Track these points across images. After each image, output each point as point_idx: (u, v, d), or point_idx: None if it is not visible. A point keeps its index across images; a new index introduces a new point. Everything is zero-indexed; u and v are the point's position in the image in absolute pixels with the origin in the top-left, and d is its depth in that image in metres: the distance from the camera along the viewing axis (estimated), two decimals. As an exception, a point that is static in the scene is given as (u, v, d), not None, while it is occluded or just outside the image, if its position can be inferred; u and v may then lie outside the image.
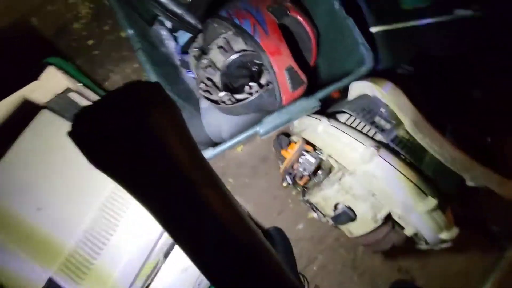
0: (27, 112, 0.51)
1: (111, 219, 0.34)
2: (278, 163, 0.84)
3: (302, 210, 0.88)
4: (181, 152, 0.19)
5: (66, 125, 0.43)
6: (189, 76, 0.84)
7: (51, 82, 0.53)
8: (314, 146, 0.55)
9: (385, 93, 0.47)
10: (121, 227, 0.33)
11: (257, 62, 0.68)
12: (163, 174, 0.18)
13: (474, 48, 0.58)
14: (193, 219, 0.18)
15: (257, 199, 0.90)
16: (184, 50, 0.85)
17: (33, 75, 0.53)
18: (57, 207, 0.35)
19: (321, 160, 0.54)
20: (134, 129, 0.18)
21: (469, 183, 0.46)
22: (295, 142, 0.58)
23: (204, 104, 0.77)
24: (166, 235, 0.37)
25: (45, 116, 0.40)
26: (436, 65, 0.57)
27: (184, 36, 0.86)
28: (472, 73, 0.57)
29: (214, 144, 0.71)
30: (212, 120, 0.75)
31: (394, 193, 0.45)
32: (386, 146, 0.49)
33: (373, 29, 0.63)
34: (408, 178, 0.43)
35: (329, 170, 0.55)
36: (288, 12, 0.60)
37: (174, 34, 0.86)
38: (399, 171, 0.44)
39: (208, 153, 0.54)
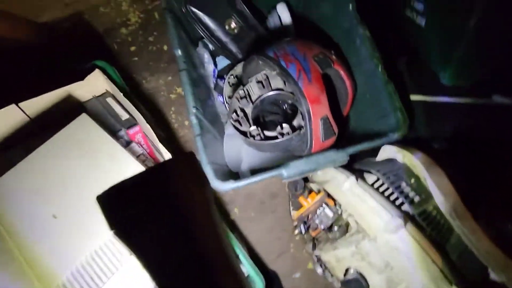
0: (67, 107, 0.52)
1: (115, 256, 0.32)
2: (289, 204, 0.82)
3: (302, 257, 0.84)
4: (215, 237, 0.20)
5: (101, 134, 0.44)
6: (219, 100, 0.86)
7: (93, 84, 0.54)
8: (335, 200, 0.54)
9: (422, 170, 0.47)
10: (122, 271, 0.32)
11: (290, 102, 0.69)
12: (179, 261, 0.18)
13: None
14: None
15: (259, 236, 0.87)
16: (220, 74, 0.88)
17: (79, 74, 0.54)
18: (73, 218, 0.34)
19: (340, 216, 0.52)
20: (160, 222, 0.19)
21: (494, 277, 0.44)
22: (316, 192, 0.57)
23: (229, 130, 0.77)
24: None
25: (84, 120, 0.40)
26: (471, 145, 0.56)
27: (222, 62, 0.89)
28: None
29: (230, 171, 0.70)
30: (233, 148, 0.74)
31: (415, 272, 0.42)
32: (411, 218, 0.47)
33: (411, 97, 0.64)
34: (433, 260, 0.41)
35: (346, 229, 0.53)
36: (332, 65, 0.61)
37: (214, 58, 0.89)
38: (425, 250, 0.42)
39: (228, 186, 0.53)
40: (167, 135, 0.95)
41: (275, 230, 0.87)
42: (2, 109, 0.45)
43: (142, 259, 0.19)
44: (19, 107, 0.47)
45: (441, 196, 0.44)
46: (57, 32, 0.99)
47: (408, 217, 0.46)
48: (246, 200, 0.90)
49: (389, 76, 0.60)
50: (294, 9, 0.87)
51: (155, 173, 0.20)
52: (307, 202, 0.57)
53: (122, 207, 0.19)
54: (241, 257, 0.46)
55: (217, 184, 0.52)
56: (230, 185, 0.52)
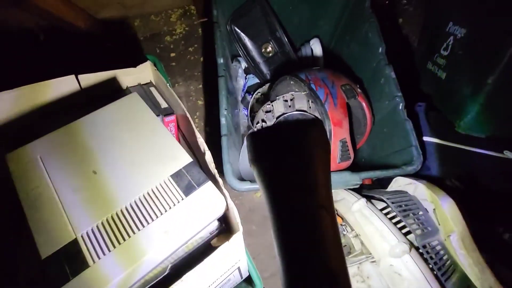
0: (116, 88, 0.57)
1: (158, 205, 0.35)
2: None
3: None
4: (322, 186, 0.22)
5: (149, 113, 0.48)
6: (243, 113, 0.91)
7: (142, 73, 0.59)
8: (342, 219, 0.55)
9: (435, 199, 0.49)
10: (166, 216, 0.34)
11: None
12: (302, 197, 0.21)
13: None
14: (304, 238, 0.21)
15: (257, 251, 0.86)
16: (248, 90, 0.95)
17: (130, 63, 0.61)
18: (113, 177, 0.37)
19: (345, 236, 0.54)
20: (299, 157, 0.22)
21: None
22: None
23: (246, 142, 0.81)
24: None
25: (134, 98, 0.45)
26: (484, 191, 0.59)
27: (252, 80, 0.96)
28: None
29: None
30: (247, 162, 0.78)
31: (414, 300, 0.43)
32: (416, 248, 0.48)
33: (426, 138, 0.68)
34: (434, 291, 0.41)
35: (350, 249, 0.54)
36: (357, 96, 0.67)
37: (245, 74, 0.96)
38: (426, 279, 0.42)
39: (244, 186, 0.55)
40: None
41: (273, 248, 0.87)
42: (62, 78, 0.51)
43: (268, 190, 0.22)
44: (77, 79, 0.53)
45: (452, 224, 0.45)
46: (111, 28, 1.10)
47: (413, 246, 0.47)
48: (249, 213, 0.91)
49: (408, 116, 0.64)
50: (326, 45, 0.96)
51: (304, 123, 0.25)
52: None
53: (262, 144, 0.23)
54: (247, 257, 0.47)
55: (234, 182, 0.55)
56: (246, 185, 0.55)
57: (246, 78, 0.97)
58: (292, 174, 0.22)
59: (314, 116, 0.65)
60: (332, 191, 0.61)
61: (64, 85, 0.52)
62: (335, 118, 0.60)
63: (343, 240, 0.55)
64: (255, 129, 0.69)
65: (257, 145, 0.24)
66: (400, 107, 0.65)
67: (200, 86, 1.07)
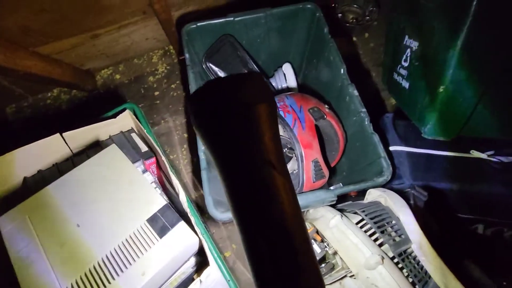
0: (98, 139, 0.62)
1: (135, 249, 0.38)
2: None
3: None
4: (269, 141, 0.21)
5: (126, 163, 0.53)
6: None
7: (122, 122, 0.64)
8: (322, 237, 0.58)
9: (397, 210, 0.52)
10: (143, 259, 0.38)
11: (289, 146, 0.78)
12: (247, 153, 0.20)
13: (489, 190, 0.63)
14: (254, 196, 0.20)
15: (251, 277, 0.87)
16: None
17: (113, 113, 0.66)
18: (94, 228, 0.41)
19: (327, 252, 0.56)
20: (241, 114, 0.20)
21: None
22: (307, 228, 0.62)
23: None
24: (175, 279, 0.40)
25: (112, 150, 0.50)
26: (451, 197, 0.61)
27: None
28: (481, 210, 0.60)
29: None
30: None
31: (392, 310, 0.44)
32: (392, 258, 0.51)
33: (395, 148, 0.72)
34: (409, 298, 0.43)
35: (333, 266, 0.56)
36: (325, 116, 0.71)
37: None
38: (401, 287, 0.45)
39: (225, 215, 0.58)
40: (178, 168, 1.04)
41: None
42: (48, 138, 0.56)
43: (214, 153, 0.21)
44: (62, 137, 0.57)
45: (409, 233, 0.48)
46: (97, 77, 1.17)
47: (388, 257, 0.50)
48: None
49: (375, 129, 0.68)
50: (297, 69, 1.02)
51: (240, 78, 0.22)
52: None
53: (207, 104, 0.21)
54: (219, 261, 0.49)
55: (216, 213, 0.58)
56: (227, 215, 0.58)
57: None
58: (232, 130, 0.20)
59: (288, 138, 0.69)
60: (312, 210, 0.64)
61: (51, 145, 0.56)
62: (304, 140, 0.64)
63: (326, 258, 0.57)
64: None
65: (194, 106, 0.22)
66: (366, 122, 0.69)
67: (185, 120, 1.12)
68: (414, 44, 0.78)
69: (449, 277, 0.43)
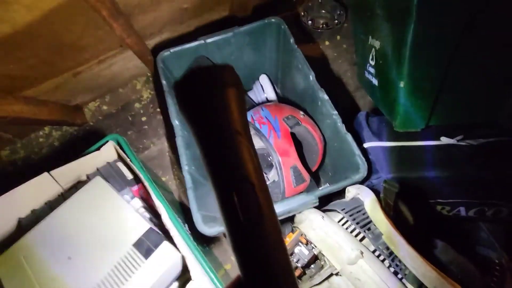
0: (86, 172, 0.65)
1: (124, 273, 0.41)
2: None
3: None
4: (237, 116, 0.25)
5: (111, 193, 0.56)
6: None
7: (107, 153, 0.68)
8: (308, 239, 0.61)
9: (365, 203, 0.55)
10: (132, 281, 0.40)
11: (268, 158, 0.81)
12: (219, 125, 0.24)
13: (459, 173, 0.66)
14: (227, 158, 0.23)
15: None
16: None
17: (98, 146, 0.69)
18: (85, 258, 0.44)
19: (314, 254, 0.58)
20: (214, 94, 0.25)
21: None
22: (292, 232, 0.64)
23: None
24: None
25: (97, 182, 0.53)
26: (428, 184, 0.64)
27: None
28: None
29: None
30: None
31: (377, 301, 0.47)
32: (374, 251, 0.53)
33: (369, 144, 0.75)
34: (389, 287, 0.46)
35: (322, 266, 0.59)
36: (300, 123, 0.75)
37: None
38: (381, 279, 0.47)
39: (213, 230, 0.61)
40: (172, 189, 1.07)
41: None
42: (37, 177, 0.60)
43: (193, 127, 0.25)
44: (51, 175, 0.61)
45: (377, 225, 0.50)
46: (85, 110, 1.21)
47: (369, 250, 0.52)
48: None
49: (349, 128, 0.72)
50: (274, 79, 1.06)
51: (214, 68, 0.26)
52: (286, 242, 0.64)
53: (188, 88, 0.25)
54: (211, 274, 0.52)
55: (204, 229, 0.61)
56: (215, 229, 0.61)
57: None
58: (209, 107, 0.24)
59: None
60: (297, 213, 0.67)
61: (41, 184, 0.60)
62: (281, 148, 0.68)
63: (317, 260, 0.59)
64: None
65: (177, 90, 0.26)
66: (339, 124, 0.73)
67: (174, 141, 1.16)
68: (377, 44, 0.82)
69: (418, 263, 0.45)
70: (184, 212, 0.94)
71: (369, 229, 0.56)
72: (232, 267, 0.93)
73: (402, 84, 0.66)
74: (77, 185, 0.63)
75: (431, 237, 0.53)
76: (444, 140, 0.70)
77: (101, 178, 0.54)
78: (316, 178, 0.90)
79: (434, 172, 0.67)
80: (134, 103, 1.26)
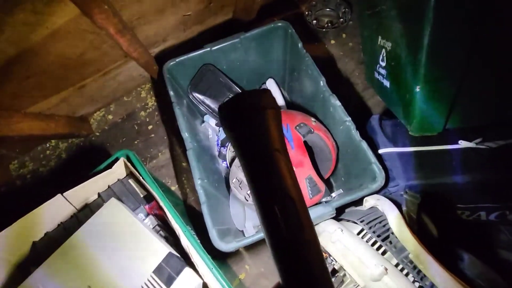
0: (98, 191, 0.65)
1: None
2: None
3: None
4: (276, 135, 0.28)
5: (127, 216, 0.55)
6: (223, 165, 0.98)
7: (118, 170, 0.67)
8: (327, 253, 0.59)
9: (390, 219, 0.53)
10: None
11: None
12: (260, 143, 0.27)
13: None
14: (269, 175, 0.26)
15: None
16: (223, 143, 1.02)
17: (108, 162, 0.68)
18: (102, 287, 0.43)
19: (334, 268, 0.57)
20: (256, 117, 0.28)
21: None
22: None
23: (233, 193, 0.87)
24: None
25: (112, 204, 0.52)
26: (447, 190, 0.62)
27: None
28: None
29: (236, 230, 0.78)
30: (238, 208, 0.83)
31: (403, 318, 0.45)
32: (396, 265, 0.52)
33: (384, 150, 0.73)
34: (417, 305, 0.44)
35: (342, 280, 0.58)
36: (313, 130, 0.73)
37: (218, 128, 1.04)
38: (408, 295, 0.46)
39: (231, 246, 0.60)
40: (182, 197, 1.06)
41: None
42: (51, 200, 0.59)
43: (236, 146, 0.28)
44: (64, 196, 0.60)
45: (404, 244, 0.49)
46: (91, 121, 1.20)
47: (390, 264, 0.51)
48: (256, 256, 0.95)
49: (363, 134, 0.70)
50: (281, 83, 1.04)
51: (255, 93, 0.31)
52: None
53: (233, 109, 0.29)
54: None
55: (221, 245, 0.60)
56: (233, 245, 0.60)
57: (219, 131, 1.05)
58: (249, 128, 0.27)
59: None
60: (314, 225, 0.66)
61: (54, 206, 0.59)
62: (295, 160, 0.66)
63: (334, 273, 0.58)
64: (232, 187, 0.75)
65: (223, 113, 0.29)
66: (353, 131, 0.71)
67: (181, 149, 1.15)
68: (388, 45, 0.80)
69: (449, 281, 0.44)
70: (193, 220, 0.93)
71: (390, 242, 0.54)
72: (245, 277, 0.93)
73: (418, 88, 0.64)
74: (90, 205, 0.63)
75: (457, 249, 0.51)
76: (463, 144, 0.68)
77: (116, 199, 0.53)
78: (328, 184, 0.89)
79: (454, 178, 0.65)
80: (140, 112, 1.24)
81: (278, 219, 0.24)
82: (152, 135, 1.19)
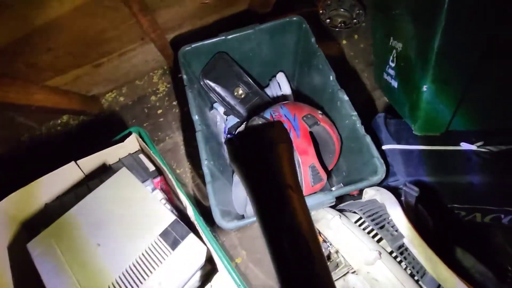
0: (109, 162, 0.67)
1: (151, 262, 0.43)
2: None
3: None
4: (288, 170, 0.28)
5: (137, 184, 0.57)
6: (229, 152, 1.00)
7: (130, 145, 0.69)
8: (325, 238, 0.62)
9: (388, 206, 0.55)
10: (159, 270, 0.42)
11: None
12: (273, 181, 0.27)
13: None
14: (278, 211, 0.26)
15: (264, 281, 0.91)
16: (230, 131, 1.04)
17: (120, 136, 0.71)
18: (113, 246, 0.46)
19: (330, 252, 0.59)
20: (267, 152, 0.28)
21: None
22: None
23: (235, 178, 0.90)
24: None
25: (123, 173, 0.54)
26: (445, 189, 0.64)
27: (232, 120, 1.07)
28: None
29: (237, 214, 0.80)
30: (239, 194, 0.86)
31: (393, 301, 0.47)
32: (390, 252, 0.54)
33: (388, 146, 0.75)
34: (406, 289, 0.46)
35: (337, 264, 0.60)
36: (319, 122, 0.75)
37: (225, 117, 1.07)
38: (399, 280, 0.48)
39: (232, 224, 0.62)
40: (185, 182, 1.09)
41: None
42: (64, 166, 0.62)
43: (247, 181, 0.28)
44: (77, 164, 0.63)
45: (400, 229, 0.51)
46: (102, 101, 1.24)
47: (386, 251, 0.53)
48: (252, 242, 0.97)
49: (367, 129, 0.72)
50: (290, 77, 1.06)
51: (266, 126, 0.31)
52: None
53: (240, 145, 0.29)
54: (229, 268, 0.53)
55: (223, 223, 0.62)
56: (233, 224, 0.62)
57: (226, 120, 1.08)
58: (261, 164, 0.27)
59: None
60: (312, 212, 0.68)
61: (67, 172, 0.62)
62: (300, 148, 0.68)
63: (330, 257, 0.60)
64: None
65: (232, 147, 0.29)
66: (358, 125, 0.73)
67: (188, 134, 1.17)
68: (399, 46, 0.82)
69: (439, 267, 0.46)
70: (196, 205, 0.96)
71: (387, 230, 0.56)
72: (242, 261, 0.95)
73: (425, 88, 0.66)
74: (100, 175, 0.65)
75: (450, 242, 0.53)
76: (464, 146, 0.70)
77: (126, 169, 0.56)
78: (329, 178, 0.91)
79: (453, 178, 0.67)
80: (151, 96, 1.27)
81: (288, 259, 0.24)
82: (161, 119, 1.22)
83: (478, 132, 0.72)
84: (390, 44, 0.88)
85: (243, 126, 0.73)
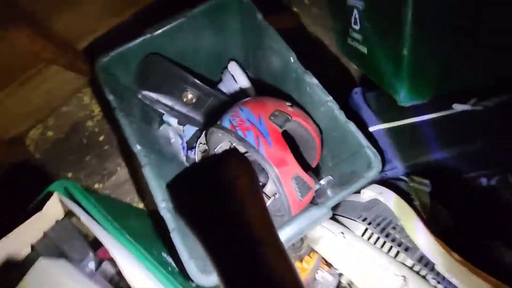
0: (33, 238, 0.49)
1: None
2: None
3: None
4: (256, 218, 0.22)
5: (64, 280, 0.41)
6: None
7: (54, 210, 0.52)
8: (330, 264, 0.50)
9: (403, 219, 0.45)
10: None
11: (261, 168, 0.68)
12: (236, 238, 0.21)
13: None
14: (250, 273, 0.19)
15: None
16: (190, 145, 0.88)
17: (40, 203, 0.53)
18: None
19: (341, 284, 0.49)
20: (222, 196, 0.21)
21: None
22: (310, 253, 0.54)
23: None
24: None
25: (41, 268, 0.38)
26: (447, 163, 0.55)
27: (189, 130, 0.90)
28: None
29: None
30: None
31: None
32: (412, 266, 0.44)
33: (374, 128, 0.64)
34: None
35: (351, 290, 0.49)
36: (290, 118, 0.61)
37: (182, 127, 0.90)
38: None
39: (212, 280, 0.49)
40: (149, 215, 0.92)
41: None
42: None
43: (198, 233, 0.22)
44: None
45: (416, 242, 0.41)
46: (27, 142, 0.99)
47: (407, 268, 0.43)
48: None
49: (348, 115, 0.60)
50: (245, 65, 0.90)
51: (211, 163, 0.24)
52: (304, 269, 0.53)
53: (183, 192, 0.23)
54: None
55: (201, 279, 0.49)
56: (213, 277, 0.49)
57: (183, 131, 0.91)
58: (215, 215, 0.22)
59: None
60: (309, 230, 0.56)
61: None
62: (276, 158, 0.55)
63: (340, 284, 0.50)
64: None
65: (175, 193, 0.24)
66: (336, 111, 0.60)
67: (143, 157, 0.99)
68: (360, 4, 0.68)
69: (472, 277, 0.36)
70: (170, 241, 0.80)
71: (400, 242, 0.46)
72: None
73: (405, 51, 0.54)
74: (22, 264, 0.47)
75: (477, 238, 0.44)
76: (458, 107, 0.60)
77: (46, 260, 0.39)
78: (315, 171, 0.79)
79: (451, 148, 0.58)
80: (86, 121, 1.05)
81: None
82: (106, 147, 1.01)
83: (467, 92, 0.63)
84: (348, 3, 0.74)
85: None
